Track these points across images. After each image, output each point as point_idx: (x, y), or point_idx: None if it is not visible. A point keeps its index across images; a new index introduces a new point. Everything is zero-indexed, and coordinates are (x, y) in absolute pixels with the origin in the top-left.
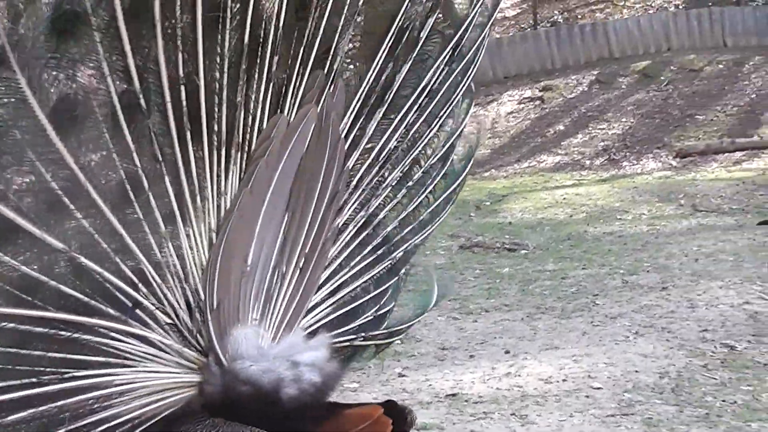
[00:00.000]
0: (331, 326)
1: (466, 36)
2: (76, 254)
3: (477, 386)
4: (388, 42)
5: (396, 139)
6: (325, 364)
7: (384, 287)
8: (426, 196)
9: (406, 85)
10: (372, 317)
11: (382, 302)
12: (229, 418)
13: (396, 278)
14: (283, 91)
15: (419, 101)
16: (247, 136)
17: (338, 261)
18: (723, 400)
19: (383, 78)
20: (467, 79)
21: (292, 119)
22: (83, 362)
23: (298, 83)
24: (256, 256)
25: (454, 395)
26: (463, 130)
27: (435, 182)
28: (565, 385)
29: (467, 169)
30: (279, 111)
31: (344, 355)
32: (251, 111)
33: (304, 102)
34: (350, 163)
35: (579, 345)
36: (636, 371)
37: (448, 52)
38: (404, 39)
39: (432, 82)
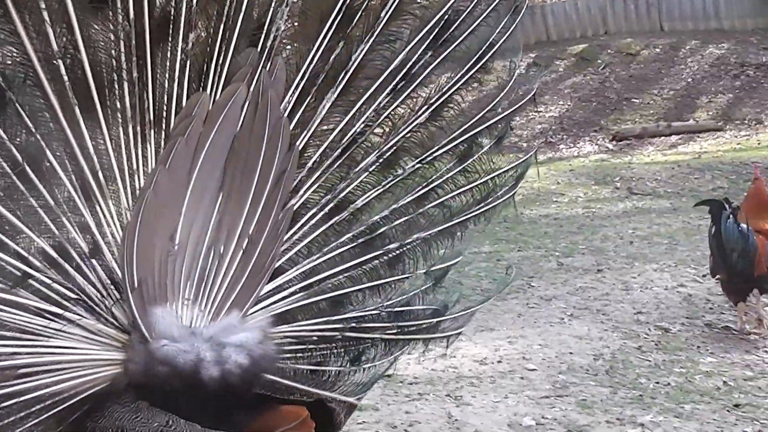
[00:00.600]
0: (314, 313)
1: (453, 18)
2: None
3: (412, 367)
4: (334, 20)
5: (363, 123)
6: (257, 346)
7: (386, 281)
8: (430, 189)
9: (369, 66)
10: (377, 311)
11: (392, 297)
12: (151, 401)
13: (403, 275)
14: (205, 69)
15: (393, 84)
16: (164, 115)
17: (305, 245)
18: (656, 382)
19: (332, 58)
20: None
21: (218, 97)
22: None
23: (222, 61)
24: (185, 235)
25: (388, 376)
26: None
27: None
28: (500, 366)
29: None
30: (201, 89)
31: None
32: (166, 89)
33: (233, 80)
34: (300, 144)
35: (514, 327)
36: (570, 353)
37: (427, 35)
38: (357, 17)
39: (409, 66)
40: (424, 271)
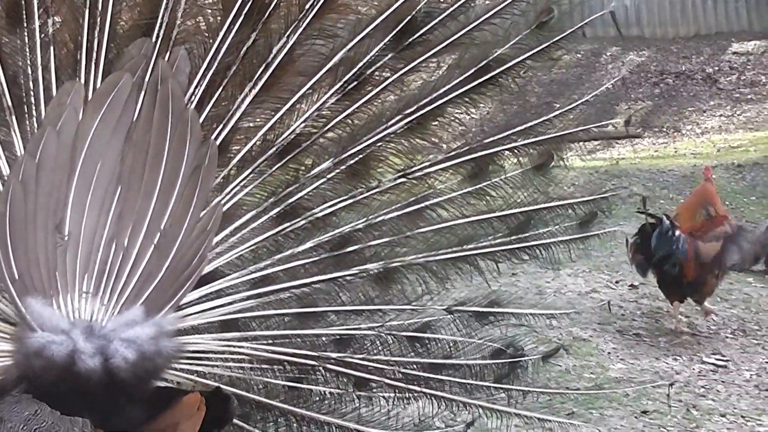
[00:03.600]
0: (277, 323)
1: (421, 19)
2: None
3: None
4: (241, 11)
5: (303, 122)
6: (149, 341)
7: (374, 304)
8: (425, 208)
9: (300, 62)
10: (376, 334)
11: (391, 320)
12: (35, 392)
13: (406, 304)
14: (77, 58)
15: (340, 85)
16: (33, 102)
17: (250, 249)
18: (566, 387)
19: (245, 50)
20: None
21: (95, 86)
22: None
23: (98, 49)
24: (77, 226)
25: None
26: None
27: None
28: None
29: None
30: (77, 78)
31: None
32: (31, 76)
33: (119, 69)
34: (217, 138)
35: None
36: None
37: (383, 34)
38: (270, 9)
39: (360, 66)
40: (444, 307)
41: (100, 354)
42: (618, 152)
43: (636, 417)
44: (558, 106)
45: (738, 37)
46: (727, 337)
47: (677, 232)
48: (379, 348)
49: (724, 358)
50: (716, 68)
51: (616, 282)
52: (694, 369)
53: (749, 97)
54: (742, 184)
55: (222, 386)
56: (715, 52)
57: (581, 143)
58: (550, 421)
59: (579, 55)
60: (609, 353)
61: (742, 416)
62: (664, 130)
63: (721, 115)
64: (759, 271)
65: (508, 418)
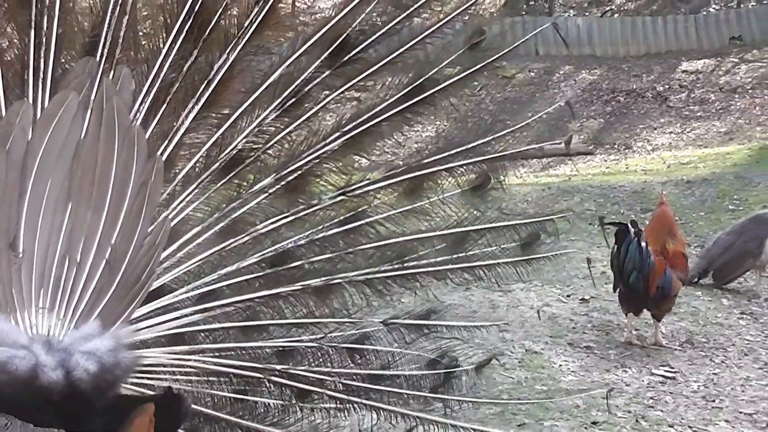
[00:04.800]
0: (223, 336)
1: (356, 37)
2: None
3: None
4: (182, 29)
5: (244, 138)
6: (108, 353)
7: (315, 318)
8: (364, 224)
9: (240, 78)
10: (317, 346)
11: (330, 332)
12: (1, 408)
13: (346, 318)
14: (24, 79)
15: (279, 102)
16: None
17: (196, 264)
18: (518, 399)
19: (185, 69)
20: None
21: (41, 107)
22: None
23: (44, 69)
24: (30, 243)
25: None
26: None
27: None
28: None
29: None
30: (21, 98)
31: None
32: None
33: (65, 88)
34: (163, 154)
35: None
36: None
37: (320, 52)
38: (211, 27)
39: (298, 83)
40: (380, 320)
41: (61, 367)
42: (571, 168)
43: (586, 428)
44: (498, 129)
45: (687, 56)
46: (675, 350)
47: (648, 249)
48: (320, 360)
49: (673, 370)
50: (666, 86)
51: (568, 296)
52: (643, 381)
53: (698, 114)
54: (692, 199)
55: (172, 386)
56: (665, 71)
57: (535, 159)
58: None
59: (532, 74)
60: (560, 366)
61: (690, 427)
62: (616, 146)
63: (671, 132)
64: (707, 285)
65: (448, 428)
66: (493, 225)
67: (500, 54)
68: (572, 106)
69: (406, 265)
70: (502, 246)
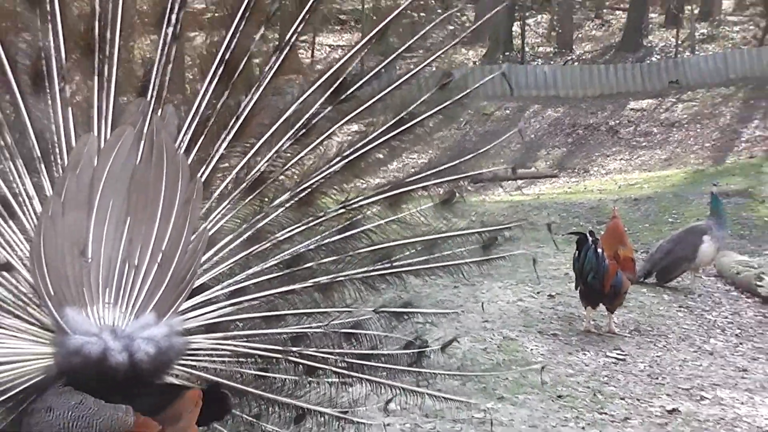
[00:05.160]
0: (250, 324)
1: (350, 79)
2: None
3: None
4: (215, 74)
5: (266, 163)
6: (163, 339)
7: (322, 308)
8: (360, 232)
9: (262, 114)
10: (322, 332)
11: (333, 320)
12: (75, 384)
13: (345, 308)
14: (90, 116)
15: (293, 132)
16: (57, 153)
17: (228, 266)
18: (498, 377)
19: (219, 107)
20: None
21: (106, 138)
22: None
23: (106, 109)
24: (97, 250)
25: None
26: None
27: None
28: None
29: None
30: (88, 132)
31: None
32: (55, 132)
33: (121, 123)
34: (202, 176)
35: None
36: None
37: (323, 91)
38: (238, 73)
39: (307, 117)
40: (372, 308)
41: (126, 350)
42: (539, 189)
43: (553, 400)
44: (463, 155)
45: (634, 97)
46: (625, 336)
47: (603, 254)
48: (325, 342)
49: (623, 353)
50: (617, 122)
51: (538, 293)
52: (599, 362)
53: (643, 144)
54: (638, 214)
55: (221, 382)
56: (616, 109)
57: (510, 181)
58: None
59: (507, 111)
60: (532, 349)
61: (638, 399)
62: (576, 171)
63: (621, 159)
64: (651, 284)
65: (442, 401)
66: (460, 232)
67: (465, 93)
68: (523, 133)
69: (393, 264)
70: (468, 248)
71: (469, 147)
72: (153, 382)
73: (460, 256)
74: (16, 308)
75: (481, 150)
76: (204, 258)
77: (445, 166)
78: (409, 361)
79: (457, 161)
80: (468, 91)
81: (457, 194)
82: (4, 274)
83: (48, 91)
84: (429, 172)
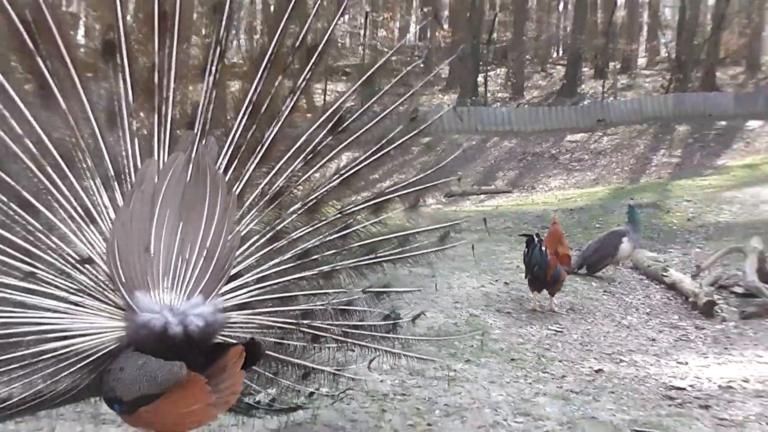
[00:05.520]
0: (267, 303)
1: (345, 115)
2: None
3: None
4: (246, 112)
5: (283, 180)
6: (211, 315)
7: (327, 288)
8: (352, 232)
9: (281, 142)
10: (324, 308)
11: (332, 299)
12: (143, 350)
13: (337, 286)
14: (151, 144)
15: (303, 156)
16: (126, 173)
17: (256, 259)
18: (464, 344)
19: (249, 135)
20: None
21: (163, 162)
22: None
23: (164, 139)
24: (157, 248)
25: None
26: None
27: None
28: None
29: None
30: (150, 157)
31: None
32: (124, 157)
33: (175, 150)
34: (236, 190)
35: None
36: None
37: (324, 124)
38: (263, 108)
39: (314, 144)
40: (360, 290)
41: (181, 324)
42: (497, 202)
43: (507, 362)
44: (417, 172)
45: (570, 131)
46: (563, 314)
47: (546, 251)
48: (326, 316)
49: (561, 326)
50: (557, 150)
51: (496, 280)
52: (543, 333)
53: (577, 168)
54: (573, 221)
55: (255, 336)
56: (556, 141)
57: (475, 196)
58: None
59: (473, 142)
60: (491, 323)
61: (572, 362)
62: (526, 188)
63: (560, 179)
64: (582, 274)
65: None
66: (423, 229)
67: (427, 124)
68: (466, 151)
69: (376, 256)
70: (429, 241)
71: (429, 166)
72: (201, 346)
73: (424, 247)
74: (96, 292)
75: (434, 168)
76: (237, 253)
77: (411, 180)
78: (386, 330)
79: (419, 176)
80: (428, 123)
81: (421, 201)
82: (87, 266)
83: (119, 125)
84: (400, 185)
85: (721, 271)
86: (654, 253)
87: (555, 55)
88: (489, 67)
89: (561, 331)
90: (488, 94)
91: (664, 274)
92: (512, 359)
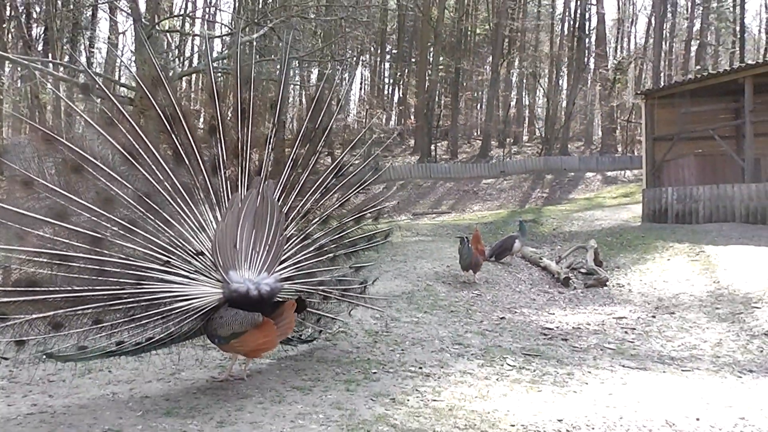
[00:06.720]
0: (301, 277)
1: (342, 166)
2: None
3: None
4: (290, 165)
5: (310, 203)
6: (273, 284)
7: (332, 267)
8: (344, 233)
9: (309, 182)
10: (330, 279)
11: (336, 273)
12: (234, 306)
13: (338, 266)
14: (237, 184)
15: (321, 190)
16: (223, 200)
17: (294, 251)
18: (425, 303)
19: (291, 179)
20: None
21: (244, 194)
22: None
23: (244, 181)
24: (241, 244)
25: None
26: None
27: (349, 230)
28: None
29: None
30: (236, 191)
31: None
32: (221, 191)
33: (250, 188)
34: (285, 210)
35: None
36: (393, 292)
37: (333, 171)
38: (299, 163)
39: (326, 184)
40: (349, 266)
41: (257, 290)
42: (442, 219)
43: (448, 313)
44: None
45: (485, 178)
46: (481, 285)
47: (471, 248)
48: (332, 284)
49: (480, 292)
50: (477, 189)
51: (442, 264)
52: (470, 295)
53: (488, 199)
54: (486, 229)
55: (301, 296)
56: (476, 183)
57: (430, 215)
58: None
59: (428, 184)
60: (439, 290)
61: (486, 313)
62: (459, 210)
63: (478, 205)
64: (492, 261)
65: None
66: (378, 230)
67: (380, 172)
68: (395, 189)
69: (356, 247)
70: (382, 240)
71: (382, 197)
72: (268, 302)
73: (379, 242)
74: (205, 272)
75: (385, 196)
76: (284, 247)
77: (376, 202)
78: (360, 291)
79: (378, 201)
80: (381, 171)
81: (379, 215)
82: (200, 256)
83: (219, 172)
84: (369, 207)
85: (573, 259)
86: (534, 248)
87: (475, 133)
88: (437, 140)
89: (480, 295)
90: (437, 156)
91: (540, 261)
92: (451, 311)
